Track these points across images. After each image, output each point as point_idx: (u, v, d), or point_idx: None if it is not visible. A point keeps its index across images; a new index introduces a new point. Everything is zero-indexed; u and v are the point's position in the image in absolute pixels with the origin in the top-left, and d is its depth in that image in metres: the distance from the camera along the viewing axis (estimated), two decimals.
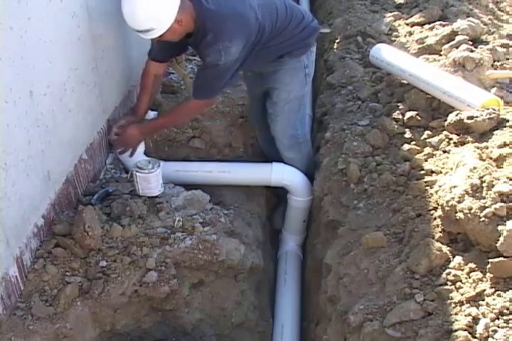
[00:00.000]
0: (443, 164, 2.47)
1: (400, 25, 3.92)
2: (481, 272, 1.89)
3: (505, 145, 2.30)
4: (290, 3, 2.95)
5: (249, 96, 3.37)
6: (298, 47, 2.93)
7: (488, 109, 2.50)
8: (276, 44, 2.85)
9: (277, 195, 3.54)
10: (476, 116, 2.48)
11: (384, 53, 3.30)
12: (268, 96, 3.10)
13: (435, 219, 2.20)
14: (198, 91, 2.79)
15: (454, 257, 2.01)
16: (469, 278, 1.90)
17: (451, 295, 1.87)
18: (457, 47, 3.08)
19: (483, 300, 1.79)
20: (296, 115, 3.13)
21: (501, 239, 1.84)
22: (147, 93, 3.02)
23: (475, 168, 2.11)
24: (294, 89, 3.03)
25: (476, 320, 1.74)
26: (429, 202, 2.31)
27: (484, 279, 1.86)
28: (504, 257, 1.84)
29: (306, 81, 3.06)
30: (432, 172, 2.47)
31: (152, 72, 2.97)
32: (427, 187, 2.38)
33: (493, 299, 1.77)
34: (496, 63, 3.00)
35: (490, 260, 1.87)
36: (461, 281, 1.91)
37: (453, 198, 2.06)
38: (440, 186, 2.27)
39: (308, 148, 3.29)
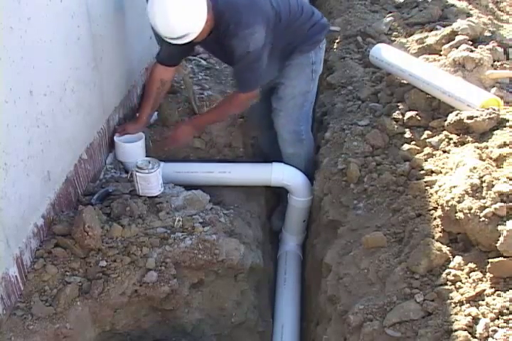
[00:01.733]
0: (443, 164, 2.47)
1: (399, 25, 3.92)
2: (481, 272, 1.89)
3: (505, 145, 2.30)
4: None
5: None
6: (307, 43, 2.96)
7: (488, 108, 2.50)
8: (288, 39, 2.88)
9: (277, 195, 3.54)
10: (476, 116, 2.48)
11: (384, 53, 3.30)
12: (274, 91, 3.11)
13: (435, 219, 2.20)
14: (242, 85, 2.83)
15: (454, 257, 2.01)
16: (469, 278, 1.90)
17: (451, 295, 1.87)
18: (457, 47, 3.08)
19: (483, 300, 1.79)
20: (300, 111, 3.13)
21: (501, 239, 1.84)
22: (151, 100, 3.02)
23: (475, 168, 2.11)
24: (300, 85, 3.05)
25: (476, 319, 1.74)
26: (429, 202, 2.31)
27: (484, 279, 1.86)
28: (504, 257, 1.84)
29: (312, 77, 3.07)
30: (432, 172, 2.47)
31: (158, 76, 2.97)
32: (427, 187, 2.38)
33: (493, 299, 1.78)
34: (495, 63, 3.00)
35: (490, 260, 1.87)
36: (461, 281, 1.91)
37: (453, 198, 2.06)
38: (440, 186, 2.27)
39: (310, 145, 3.29)
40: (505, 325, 1.68)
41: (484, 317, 1.73)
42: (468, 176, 2.08)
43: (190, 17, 2.49)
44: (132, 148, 2.97)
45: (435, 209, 2.24)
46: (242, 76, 2.81)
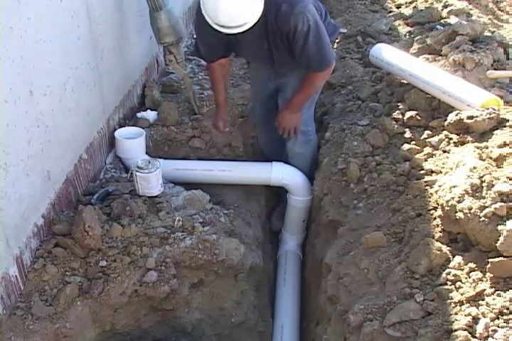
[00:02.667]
0: (443, 164, 2.47)
1: (399, 25, 3.92)
2: (481, 272, 1.89)
3: (505, 145, 2.30)
4: None
5: (255, 94, 3.33)
6: None
7: (488, 108, 2.50)
8: None
9: (277, 195, 3.54)
10: (476, 116, 2.48)
11: (384, 53, 3.30)
12: (280, 91, 3.10)
13: (435, 219, 2.20)
14: (318, 63, 2.75)
15: (453, 257, 2.01)
16: (469, 277, 1.90)
17: (451, 295, 1.87)
18: (457, 47, 3.08)
19: (483, 300, 1.79)
20: (308, 111, 3.13)
21: (501, 238, 1.84)
22: (221, 85, 3.05)
23: (475, 168, 2.11)
24: None
25: (476, 319, 1.74)
26: (429, 202, 2.31)
27: (484, 279, 1.86)
28: (504, 257, 1.84)
29: None
30: (432, 172, 2.47)
31: (218, 69, 2.99)
32: (427, 187, 2.38)
33: (493, 299, 1.77)
34: (495, 63, 3.00)
35: (490, 260, 1.87)
36: (461, 281, 1.91)
37: (453, 198, 2.06)
38: (440, 186, 2.27)
39: (315, 146, 3.29)
40: (505, 324, 1.68)
41: (484, 317, 1.73)
42: (468, 176, 2.08)
43: (252, 5, 2.46)
44: (133, 145, 2.98)
45: (435, 209, 2.24)
46: (315, 54, 2.70)
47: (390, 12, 4.21)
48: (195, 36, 3.18)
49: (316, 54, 2.71)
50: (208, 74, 3.20)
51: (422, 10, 3.98)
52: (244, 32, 2.53)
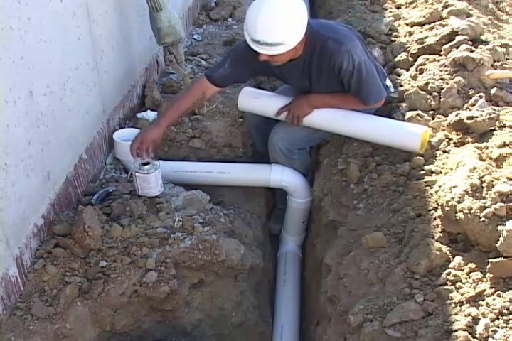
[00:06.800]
0: (443, 164, 2.47)
1: (399, 25, 3.92)
2: (481, 272, 1.89)
3: (505, 145, 2.30)
4: None
5: None
6: None
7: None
8: None
9: (276, 195, 3.53)
10: (476, 116, 2.48)
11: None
12: None
13: (435, 219, 2.20)
14: (366, 99, 2.74)
15: (453, 257, 2.01)
16: (469, 278, 1.90)
17: (451, 295, 1.87)
18: (457, 47, 3.08)
19: (483, 300, 1.79)
20: (305, 137, 3.05)
21: (501, 239, 1.84)
22: (182, 109, 2.84)
23: (475, 168, 2.11)
24: None
25: (476, 320, 1.74)
26: (429, 202, 2.31)
27: (484, 279, 1.86)
28: (504, 257, 1.84)
29: None
30: (432, 172, 2.47)
31: (202, 89, 2.83)
32: (427, 187, 2.38)
33: (493, 299, 1.77)
34: (495, 63, 3.00)
35: (490, 260, 1.86)
36: (461, 281, 1.91)
37: (453, 198, 2.06)
38: (440, 186, 2.27)
39: (301, 164, 3.18)
40: (505, 325, 1.68)
41: (484, 317, 1.73)
42: (468, 176, 2.08)
43: (293, 25, 2.42)
44: None
45: (435, 209, 2.24)
46: (363, 89, 2.70)
47: (390, 12, 4.20)
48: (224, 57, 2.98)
49: (363, 91, 2.70)
50: (185, 88, 2.99)
51: (421, 10, 3.97)
52: (285, 65, 2.54)
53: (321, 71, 2.68)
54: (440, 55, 3.17)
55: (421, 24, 3.73)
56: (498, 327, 1.68)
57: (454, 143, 2.55)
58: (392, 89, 3.01)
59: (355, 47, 2.59)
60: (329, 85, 2.75)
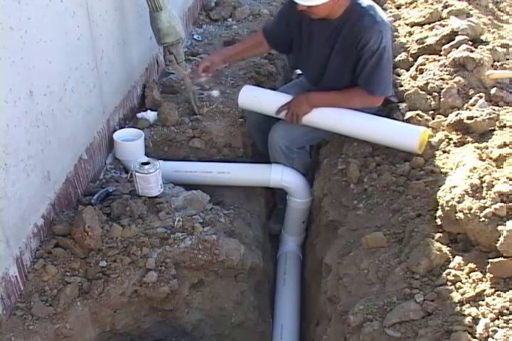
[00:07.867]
0: (443, 164, 2.47)
1: (399, 25, 3.92)
2: (481, 272, 1.89)
3: (505, 145, 2.30)
4: None
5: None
6: None
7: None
8: None
9: (276, 195, 3.53)
10: (476, 116, 2.48)
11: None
12: None
13: (435, 219, 2.20)
14: (375, 85, 2.72)
15: (453, 257, 2.01)
16: (469, 278, 1.90)
17: (451, 295, 1.87)
18: (457, 47, 3.08)
19: (483, 300, 1.79)
20: (305, 136, 3.06)
21: (501, 239, 1.84)
22: (244, 46, 3.12)
23: (475, 168, 2.11)
24: None
25: (476, 320, 1.74)
26: (429, 202, 2.31)
27: (484, 279, 1.86)
28: (504, 257, 1.84)
29: None
30: (432, 172, 2.47)
31: (260, 39, 3.03)
32: (427, 187, 2.38)
33: (493, 299, 1.77)
34: (495, 63, 3.00)
35: (490, 260, 1.86)
36: (461, 281, 1.91)
37: (453, 198, 2.06)
38: (440, 186, 2.27)
39: (301, 164, 3.19)
40: (505, 325, 1.68)
41: (484, 317, 1.73)
42: (468, 176, 2.08)
43: None
44: (131, 147, 2.97)
45: (435, 209, 2.24)
46: (376, 75, 2.68)
47: (390, 12, 4.19)
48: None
49: (377, 77, 2.70)
50: (248, 35, 3.36)
51: (421, 10, 3.97)
52: (317, 23, 2.62)
53: (345, 42, 2.68)
54: (440, 55, 3.17)
55: (421, 24, 3.73)
56: (498, 327, 1.68)
57: (454, 143, 2.55)
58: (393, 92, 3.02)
59: (387, 31, 2.62)
60: (344, 63, 2.74)
